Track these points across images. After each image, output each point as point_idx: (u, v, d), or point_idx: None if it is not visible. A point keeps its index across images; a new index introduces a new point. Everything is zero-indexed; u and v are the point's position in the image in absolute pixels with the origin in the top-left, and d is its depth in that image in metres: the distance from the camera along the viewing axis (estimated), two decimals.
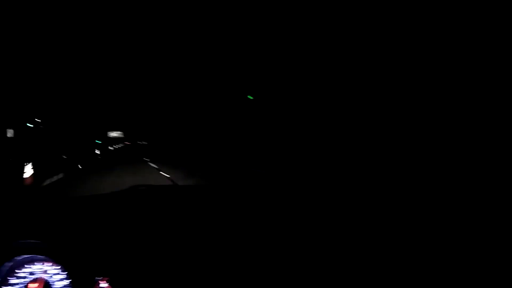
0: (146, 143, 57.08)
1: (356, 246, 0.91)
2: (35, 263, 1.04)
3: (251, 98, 27.61)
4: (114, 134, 58.79)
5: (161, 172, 11.97)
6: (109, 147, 47.59)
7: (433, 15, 13.39)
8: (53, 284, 1.02)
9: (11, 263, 1.01)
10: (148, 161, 19.72)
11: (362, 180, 8.72)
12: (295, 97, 24.11)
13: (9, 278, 1.02)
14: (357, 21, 18.06)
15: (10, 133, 20.63)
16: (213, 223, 1.10)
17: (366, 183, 8.18)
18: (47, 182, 10.12)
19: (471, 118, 11.59)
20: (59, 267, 1.01)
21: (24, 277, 1.03)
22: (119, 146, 56.60)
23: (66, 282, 1.00)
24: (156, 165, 15.69)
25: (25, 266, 1.04)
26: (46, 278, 1.02)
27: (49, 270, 1.03)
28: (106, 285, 0.90)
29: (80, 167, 15.40)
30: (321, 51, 21.56)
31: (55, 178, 11.04)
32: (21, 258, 1.03)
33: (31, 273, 1.03)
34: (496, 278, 0.73)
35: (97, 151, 31.21)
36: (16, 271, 1.03)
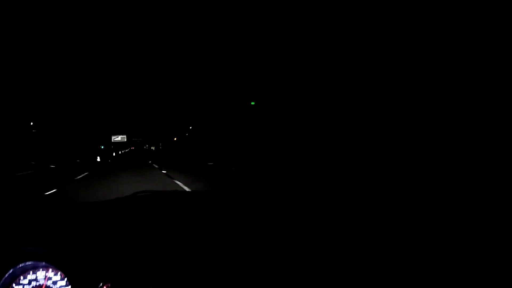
0: (153, 148, 57.43)
1: (354, 245, 0.95)
2: (38, 270, 1.03)
3: (253, 104, 28.24)
4: (118, 138, 59.26)
5: (162, 171, 13.45)
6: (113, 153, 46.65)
7: (433, 15, 13.45)
8: None
9: (13, 270, 1.01)
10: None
11: (358, 178, 9.12)
12: (289, 99, 24.30)
13: (11, 285, 1.02)
14: (355, 22, 18.07)
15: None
16: (217, 229, 1.13)
17: (359, 179, 8.64)
18: (79, 177, 11.94)
19: (471, 118, 11.63)
20: (61, 273, 1.01)
21: (27, 284, 1.02)
22: (125, 151, 56.76)
23: None
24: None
25: (28, 273, 1.03)
26: (48, 284, 1.01)
27: (52, 277, 1.02)
28: None
29: (96, 168, 17.92)
30: (308, 52, 21.94)
31: (83, 174, 13.27)
32: (23, 265, 1.02)
33: (34, 280, 1.03)
34: (496, 278, 0.75)
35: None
36: (21, 277, 1.03)
